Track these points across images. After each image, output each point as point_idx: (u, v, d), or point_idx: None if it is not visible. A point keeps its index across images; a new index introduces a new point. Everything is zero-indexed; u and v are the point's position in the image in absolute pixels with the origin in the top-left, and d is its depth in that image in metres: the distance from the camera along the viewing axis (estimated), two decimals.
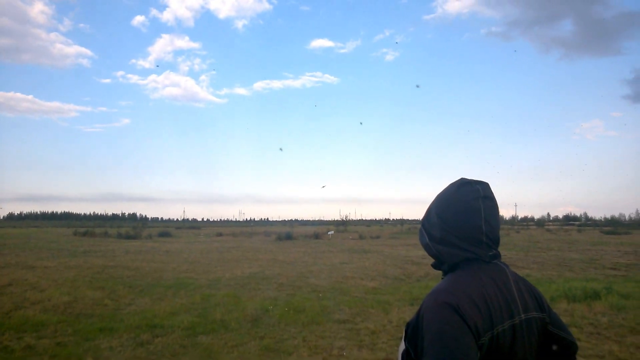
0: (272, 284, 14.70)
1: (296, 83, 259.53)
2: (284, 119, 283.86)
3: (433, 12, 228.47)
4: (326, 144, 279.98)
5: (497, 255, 1.67)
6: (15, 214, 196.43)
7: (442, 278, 1.71)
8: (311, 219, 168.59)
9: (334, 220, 78.64)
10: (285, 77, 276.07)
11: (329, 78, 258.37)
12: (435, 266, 1.79)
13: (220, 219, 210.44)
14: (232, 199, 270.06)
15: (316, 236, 46.88)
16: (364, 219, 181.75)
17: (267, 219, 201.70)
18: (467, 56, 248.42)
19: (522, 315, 1.57)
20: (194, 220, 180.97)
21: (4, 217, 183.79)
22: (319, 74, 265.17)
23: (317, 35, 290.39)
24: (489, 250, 1.64)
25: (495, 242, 1.67)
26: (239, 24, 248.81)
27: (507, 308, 1.54)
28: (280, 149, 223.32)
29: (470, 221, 1.63)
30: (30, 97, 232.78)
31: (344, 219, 75.92)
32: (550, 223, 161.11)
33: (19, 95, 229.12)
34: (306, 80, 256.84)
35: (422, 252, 26.15)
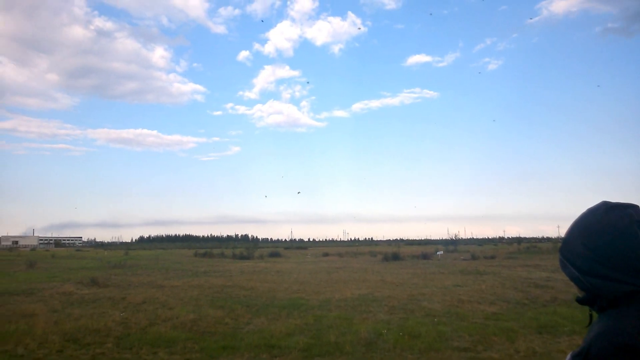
0: (383, 307, 14.48)
1: (394, 101, 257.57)
2: (383, 137, 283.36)
3: (537, 14, 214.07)
4: (429, 159, 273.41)
5: None
6: (145, 236, 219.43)
7: (597, 315, 1.53)
8: (417, 238, 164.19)
9: (442, 240, 76.23)
10: (383, 96, 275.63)
11: (428, 93, 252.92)
12: (583, 301, 1.58)
13: (325, 239, 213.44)
14: (335, 218, 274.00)
15: (424, 256, 45.52)
16: (474, 237, 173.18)
17: (372, 238, 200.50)
18: (579, 57, 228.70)
19: None
20: (301, 240, 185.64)
21: (135, 239, 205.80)
22: (417, 89, 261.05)
23: (413, 52, 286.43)
24: None
25: None
26: (336, 48, 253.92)
27: None
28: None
29: (627, 250, 1.44)
30: (154, 132, 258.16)
31: (453, 237, 73.19)
32: None
33: (145, 131, 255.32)
34: (404, 97, 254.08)
35: (546, 274, 24.26)
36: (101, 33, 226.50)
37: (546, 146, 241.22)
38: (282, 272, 29.39)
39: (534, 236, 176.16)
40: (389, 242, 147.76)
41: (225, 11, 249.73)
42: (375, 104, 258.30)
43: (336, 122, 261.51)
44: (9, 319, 11.65)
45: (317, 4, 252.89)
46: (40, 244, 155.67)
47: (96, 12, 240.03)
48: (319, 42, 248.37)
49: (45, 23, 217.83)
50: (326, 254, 57.83)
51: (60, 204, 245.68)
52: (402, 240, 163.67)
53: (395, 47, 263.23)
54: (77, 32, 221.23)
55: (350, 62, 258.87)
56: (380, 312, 13.48)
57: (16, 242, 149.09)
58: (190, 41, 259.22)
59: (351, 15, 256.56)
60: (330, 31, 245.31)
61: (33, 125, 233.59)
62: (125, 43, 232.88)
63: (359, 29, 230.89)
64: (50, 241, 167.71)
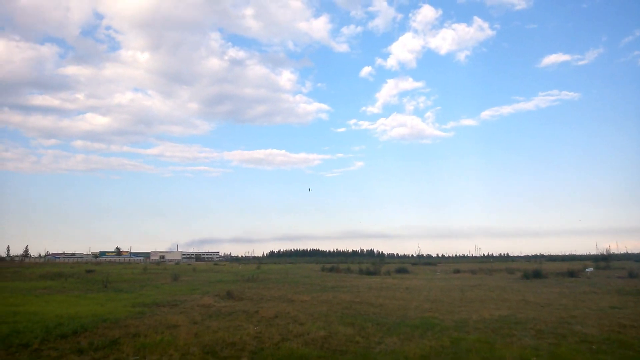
0: (529, 330, 13.01)
1: (528, 105, 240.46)
2: (516, 144, 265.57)
3: None
4: (570, 166, 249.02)
5: None
6: (275, 251, 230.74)
7: None
8: (560, 254, 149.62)
9: (591, 255, 68.26)
10: (515, 101, 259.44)
11: (568, 94, 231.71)
12: None
13: (455, 255, 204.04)
14: (466, 233, 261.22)
15: (571, 274, 40.98)
16: (630, 252, 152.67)
17: (507, 254, 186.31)
18: None
19: None
20: (429, 256, 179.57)
21: (266, 254, 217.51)
22: (554, 91, 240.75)
23: (549, 52, 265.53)
24: None
25: None
26: (461, 56, 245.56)
27: None
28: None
29: None
30: (283, 151, 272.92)
31: (605, 253, 65.27)
32: None
33: (275, 151, 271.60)
34: (540, 100, 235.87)
35: None
36: (234, 62, 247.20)
37: None
38: (411, 289, 28.39)
39: None
40: (527, 258, 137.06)
41: (348, 30, 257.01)
42: (506, 109, 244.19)
43: (464, 131, 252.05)
44: (156, 329, 12.54)
45: (440, 12, 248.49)
46: (183, 258, 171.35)
47: (229, 44, 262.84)
48: (443, 51, 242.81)
49: (186, 57, 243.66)
50: (457, 271, 55.04)
51: (200, 221, 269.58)
52: (542, 256, 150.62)
53: (528, 48, 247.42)
54: (214, 63, 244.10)
55: (478, 68, 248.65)
56: (525, 336, 12.10)
57: (163, 257, 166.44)
58: (314, 62, 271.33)
59: (477, 20, 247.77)
60: (455, 39, 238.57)
61: (177, 150, 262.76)
62: (256, 69, 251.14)
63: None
64: (192, 255, 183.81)
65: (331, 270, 54.83)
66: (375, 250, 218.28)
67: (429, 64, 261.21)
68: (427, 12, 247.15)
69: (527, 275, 39.14)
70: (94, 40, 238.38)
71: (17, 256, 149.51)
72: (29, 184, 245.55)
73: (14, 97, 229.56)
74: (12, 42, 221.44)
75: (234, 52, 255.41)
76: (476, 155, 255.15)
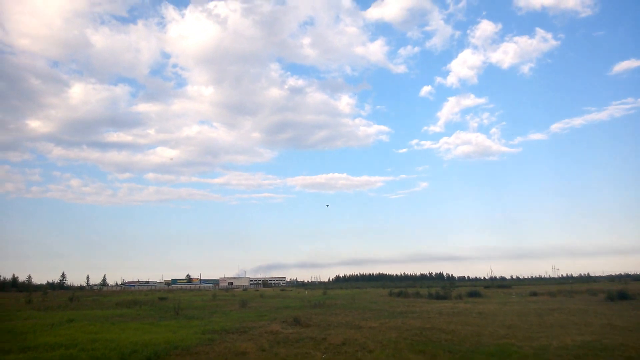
0: (616, 358, 12.07)
1: (601, 115, 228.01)
2: (590, 156, 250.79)
3: None
4: None
5: None
6: (341, 276, 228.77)
7: None
8: None
9: None
10: (587, 112, 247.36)
11: None
12: None
13: (531, 276, 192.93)
14: (542, 252, 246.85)
15: None
16: None
17: (588, 274, 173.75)
18: None
19: None
20: (502, 278, 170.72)
21: (332, 279, 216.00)
22: (629, 99, 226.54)
23: (620, 58, 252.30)
24: None
25: None
26: (525, 68, 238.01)
27: None
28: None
29: None
30: (344, 175, 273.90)
31: None
32: None
33: (336, 175, 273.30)
34: (613, 110, 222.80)
35: None
36: (294, 90, 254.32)
37: None
38: (484, 313, 27.07)
39: None
40: (610, 278, 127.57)
41: (405, 51, 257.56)
42: (577, 121, 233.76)
43: (532, 146, 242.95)
44: (225, 356, 12.71)
45: (500, 26, 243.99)
46: (250, 284, 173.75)
47: (288, 73, 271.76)
48: (505, 65, 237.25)
49: (248, 89, 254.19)
50: (534, 293, 51.93)
51: (266, 247, 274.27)
52: (628, 275, 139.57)
53: (597, 56, 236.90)
54: (274, 93, 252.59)
55: (544, 80, 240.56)
56: None
57: (231, 283, 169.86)
58: (372, 85, 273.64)
59: (540, 31, 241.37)
60: (517, 52, 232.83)
61: (242, 178, 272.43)
62: (315, 96, 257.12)
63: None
64: (259, 281, 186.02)
65: (399, 294, 53.58)
66: (444, 273, 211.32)
67: (491, 79, 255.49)
68: (486, 27, 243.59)
69: (611, 297, 36.24)
70: (162, 78, 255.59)
71: (95, 285, 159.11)
72: (106, 216, 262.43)
73: (92, 135, 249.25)
74: (89, 85, 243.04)
75: (294, 81, 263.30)
76: (547, 169, 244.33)
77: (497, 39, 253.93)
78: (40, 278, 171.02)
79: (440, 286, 70.06)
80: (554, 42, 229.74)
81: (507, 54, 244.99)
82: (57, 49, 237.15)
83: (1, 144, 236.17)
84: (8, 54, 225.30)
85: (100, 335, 17.52)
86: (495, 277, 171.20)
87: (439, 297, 46.43)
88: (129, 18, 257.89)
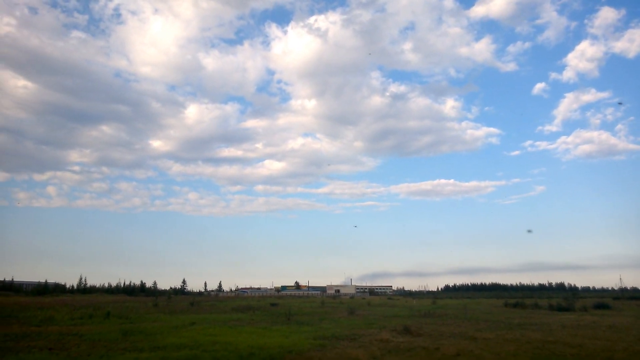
0: None
1: None
2: None
3: None
4: None
5: None
6: (450, 285, 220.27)
7: None
8: None
9: None
10: None
11: None
12: None
13: None
14: None
15: None
16: None
17: None
18: None
19: None
20: (635, 290, 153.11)
21: (441, 288, 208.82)
22: None
23: None
24: None
25: None
26: None
27: None
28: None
29: None
30: (451, 181, 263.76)
31: None
32: None
33: (443, 181, 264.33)
34: None
35: None
36: (396, 97, 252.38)
37: None
38: (616, 327, 24.46)
39: None
40: None
41: (514, 47, 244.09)
42: None
43: None
44: None
45: (623, 12, 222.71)
46: (357, 292, 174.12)
47: (390, 80, 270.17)
48: (631, 54, 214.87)
49: (349, 99, 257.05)
50: None
51: (371, 255, 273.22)
52: None
53: None
54: (376, 101, 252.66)
55: None
56: None
57: (338, 291, 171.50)
58: (479, 86, 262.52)
59: None
60: None
61: (346, 187, 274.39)
62: (418, 101, 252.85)
63: None
64: (365, 289, 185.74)
65: (515, 305, 50.44)
66: (566, 284, 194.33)
67: (615, 70, 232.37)
68: (606, 15, 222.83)
69: None
70: (268, 94, 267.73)
71: (212, 291, 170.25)
72: (220, 226, 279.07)
73: (206, 151, 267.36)
74: (202, 105, 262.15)
75: (395, 88, 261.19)
76: None
77: (621, 27, 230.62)
78: (164, 284, 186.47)
79: (561, 297, 64.60)
80: None
81: (632, 42, 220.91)
82: (173, 73, 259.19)
83: (129, 163, 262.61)
84: (132, 82, 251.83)
85: (220, 338, 18.65)
86: (625, 288, 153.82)
87: (560, 309, 42.97)
88: (236, 40, 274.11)
